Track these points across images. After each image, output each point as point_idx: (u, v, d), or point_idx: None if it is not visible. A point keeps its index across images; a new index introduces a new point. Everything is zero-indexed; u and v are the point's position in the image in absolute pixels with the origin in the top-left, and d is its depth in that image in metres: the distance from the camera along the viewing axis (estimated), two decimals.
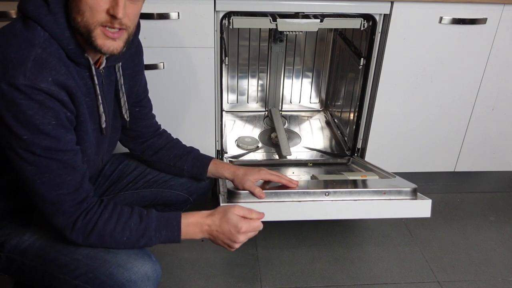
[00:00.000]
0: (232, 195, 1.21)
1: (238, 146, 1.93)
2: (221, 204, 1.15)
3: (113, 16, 0.87)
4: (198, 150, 1.32)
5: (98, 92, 0.99)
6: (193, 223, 1.01)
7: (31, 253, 1.00)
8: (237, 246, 1.03)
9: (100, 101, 1.00)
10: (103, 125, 1.03)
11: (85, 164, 0.97)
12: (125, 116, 1.13)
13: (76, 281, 0.97)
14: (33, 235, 1.02)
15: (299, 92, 2.23)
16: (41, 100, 0.84)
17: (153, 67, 1.51)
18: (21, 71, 0.82)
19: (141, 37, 1.13)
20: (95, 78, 0.97)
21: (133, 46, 1.07)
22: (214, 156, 1.68)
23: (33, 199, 0.92)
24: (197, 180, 1.33)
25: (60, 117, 0.88)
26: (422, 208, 1.25)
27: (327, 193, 1.21)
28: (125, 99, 1.11)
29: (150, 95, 1.26)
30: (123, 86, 1.09)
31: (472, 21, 1.55)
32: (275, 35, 1.92)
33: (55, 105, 0.86)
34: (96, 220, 0.95)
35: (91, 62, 0.95)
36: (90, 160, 1.03)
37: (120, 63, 1.06)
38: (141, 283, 0.96)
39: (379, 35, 1.58)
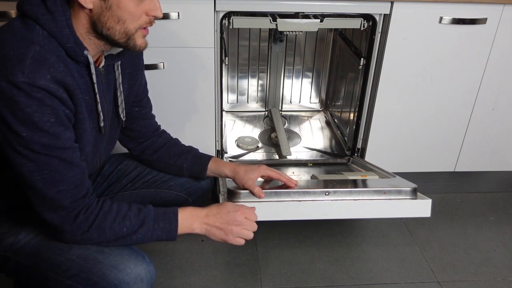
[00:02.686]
0: (232, 195, 1.21)
1: (238, 146, 1.92)
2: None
3: (153, 17, 0.94)
4: (197, 149, 1.32)
5: (97, 90, 0.99)
6: (189, 213, 1.04)
7: (26, 252, 1.00)
8: (232, 237, 1.05)
9: (99, 100, 1.00)
10: (102, 124, 1.04)
11: (84, 162, 0.98)
12: (121, 116, 1.13)
13: (69, 281, 0.97)
14: (29, 234, 1.02)
15: (299, 92, 2.23)
16: (40, 98, 0.84)
17: (153, 67, 1.51)
18: (20, 68, 0.82)
19: None
20: (94, 76, 0.97)
21: None
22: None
23: (30, 196, 0.92)
24: (197, 180, 1.33)
25: (59, 114, 0.88)
26: (422, 207, 1.25)
27: (327, 193, 1.21)
28: (123, 98, 1.11)
29: (150, 95, 1.26)
30: (121, 85, 1.09)
31: (472, 21, 1.55)
32: (275, 35, 1.92)
33: (54, 102, 0.86)
34: (97, 213, 0.96)
35: (91, 60, 0.94)
36: (88, 158, 1.03)
37: (119, 62, 1.06)
38: (134, 284, 0.96)
39: (379, 35, 1.58)
